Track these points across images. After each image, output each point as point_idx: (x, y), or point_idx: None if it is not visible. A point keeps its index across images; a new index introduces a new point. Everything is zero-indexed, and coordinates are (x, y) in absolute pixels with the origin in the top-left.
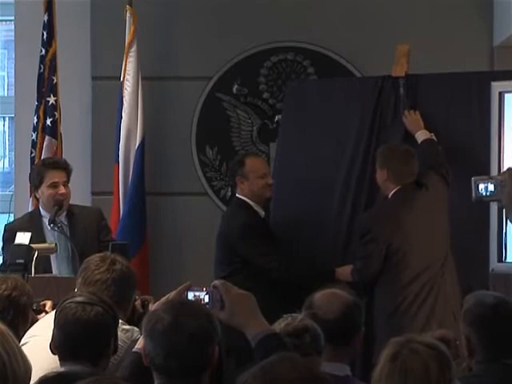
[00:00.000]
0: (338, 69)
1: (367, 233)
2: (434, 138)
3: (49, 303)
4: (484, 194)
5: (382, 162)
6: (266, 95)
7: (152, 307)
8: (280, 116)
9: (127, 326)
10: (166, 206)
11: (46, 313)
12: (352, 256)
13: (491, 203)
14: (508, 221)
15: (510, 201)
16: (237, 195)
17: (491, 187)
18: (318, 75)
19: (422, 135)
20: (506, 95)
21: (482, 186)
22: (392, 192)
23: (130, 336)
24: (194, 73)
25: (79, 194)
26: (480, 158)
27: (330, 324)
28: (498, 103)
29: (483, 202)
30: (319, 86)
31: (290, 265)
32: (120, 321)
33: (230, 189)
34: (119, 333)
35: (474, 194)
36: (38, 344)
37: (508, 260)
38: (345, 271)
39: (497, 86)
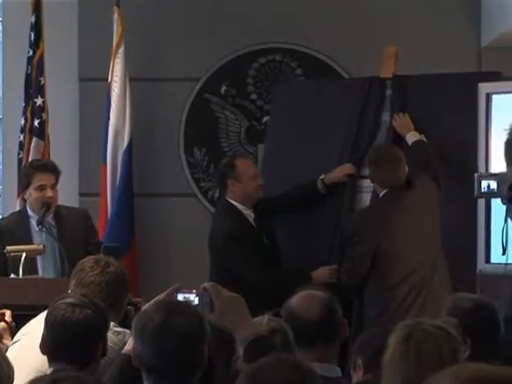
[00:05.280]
0: (325, 70)
1: (355, 234)
2: (424, 139)
3: (8, 313)
4: (486, 190)
5: (369, 166)
6: (254, 96)
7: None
8: (268, 117)
9: (119, 329)
10: (154, 207)
11: (6, 322)
12: (338, 257)
13: (479, 203)
14: (509, 219)
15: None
16: (226, 198)
17: (494, 185)
18: (305, 76)
19: (412, 137)
20: (494, 96)
21: (484, 183)
22: (382, 193)
23: (122, 338)
24: (182, 74)
25: (67, 195)
26: (468, 158)
27: (313, 325)
28: (485, 104)
29: (485, 199)
30: (307, 87)
31: (269, 275)
32: (112, 323)
33: (218, 190)
34: (111, 335)
35: (476, 191)
36: (29, 343)
37: (495, 261)
38: (321, 274)
39: (484, 87)
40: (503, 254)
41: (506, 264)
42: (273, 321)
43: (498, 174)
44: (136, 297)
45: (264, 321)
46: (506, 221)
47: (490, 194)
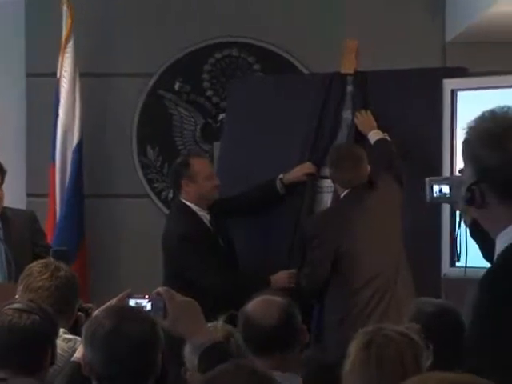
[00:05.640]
0: (284, 65)
1: (315, 236)
2: (387, 137)
3: None
4: (439, 195)
5: (330, 166)
6: (209, 93)
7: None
8: (224, 115)
9: (69, 336)
10: (106, 208)
11: None
12: (298, 261)
13: (443, 204)
14: (462, 223)
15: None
16: (181, 199)
17: (446, 189)
18: (263, 72)
19: (374, 135)
20: (459, 93)
21: (436, 188)
22: (343, 194)
23: (72, 345)
24: (135, 69)
25: (13, 195)
26: (432, 157)
27: (271, 331)
28: (450, 101)
29: (438, 204)
30: (265, 83)
31: (225, 279)
32: (62, 330)
33: (171, 191)
34: (60, 342)
35: (428, 196)
36: None
37: (460, 264)
38: (280, 278)
39: (449, 83)
40: (458, 260)
41: (466, 268)
42: (226, 326)
43: (449, 177)
44: (86, 302)
45: (218, 326)
46: (459, 226)
47: (442, 199)
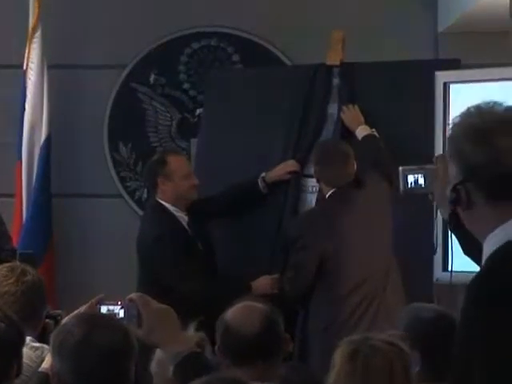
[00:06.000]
0: (266, 56)
1: (299, 238)
2: (375, 133)
3: None
4: (414, 186)
5: (315, 164)
6: (186, 86)
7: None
8: (202, 109)
9: (37, 344)
10: (75, 209)
11: None
12: (280, 265)
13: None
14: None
15: (441, 193)
16: (156, 199)
17: (421, 180)
18: (243, 63)
19: (362, 131)
20: (452, 86)
21: (411, 178)
22: (329, 193)
23: (40, 354)
24: (106, 61)
25: None
26: (424, 154)
27: (252, 340)
28: (442, 94)
29: (412, 196)
30: (245, 75)
31: (204, 284)
32: (29, 338)
33: (145, 190)
34: (28, 351)
35: (402, 187)
36: None
37: (454, 269)
38: (262, 284)
39: (441, 76)
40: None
41: (451, 272)
42: (198, 334)
43: (424, 167)
44: (54, 309)
45: (189, 334)
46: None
47: (416, 190)
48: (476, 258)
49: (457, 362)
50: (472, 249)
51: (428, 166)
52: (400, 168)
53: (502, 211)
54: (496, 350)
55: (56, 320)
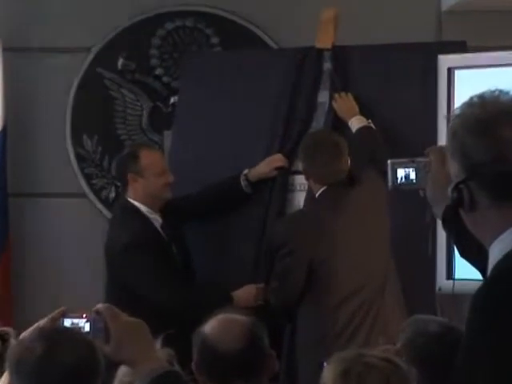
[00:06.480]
0: (248, 39)
1: (285, 243)
2: (371, 125)
3: None
4: (404, 182)
5: (303, 159)
6: (158, 71)
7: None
8: (176, 97)
9: None
10: (34, 209)
11: None
12: (265, 273)
13: None
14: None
15: (434, 190)
16: (126, 198)
17: (412, 174)
18: (223, 46)
19: (356, 122)
20: (457, 72)
21: (401, 173)
22: (317, 194)
23: None
24: (69, 43)
25: None
26: (426, 147)
27: (233, 357)
28: (446, 81)
29: (401, 191)
30: (225, 59)
31: (179, 294)
32: None
33: (113, 188)
34: None
35: (390, 182)
36: None
37: (458, 276)
38: (244, 294)
39: (445, 60)
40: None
41: (454, 280)
42: (165, 350)
43: (414, 159)
44: (7, 323)
45: (157, 348)
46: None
47: (407, 185)
48: (475, 262)
49: (460, 374)
50: (470, 251)
51: (420, 159)
52: (389, 161)
53: (509, 213)
54: (502, 362)
55: (3, 339)
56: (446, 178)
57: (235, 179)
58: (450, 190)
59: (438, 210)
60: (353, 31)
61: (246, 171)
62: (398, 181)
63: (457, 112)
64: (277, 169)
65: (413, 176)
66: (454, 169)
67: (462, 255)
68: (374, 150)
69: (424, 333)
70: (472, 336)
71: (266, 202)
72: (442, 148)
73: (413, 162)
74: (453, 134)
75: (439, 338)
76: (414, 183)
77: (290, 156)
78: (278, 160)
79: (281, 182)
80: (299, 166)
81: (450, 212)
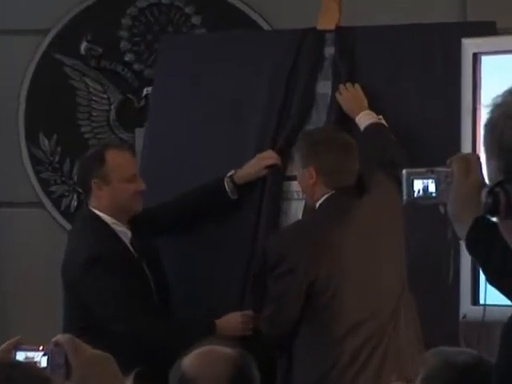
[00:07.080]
0: (236, 19)
1: (280, 262)
2: (383, 121)
3: None
4: (422, 195)
5: (305, 158)
6: (129, 57)
7: None
8: (150, 88)
9: None
10: None
11: None
12: (255, 297)
13: None
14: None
15: (456, 205)
16: (90, 208)
17: (432, 187)
18: (206, 27)
19: (365, 119)
20: (484, 58)
21: (419, 185)
22: (320, 201)
23: None
24: (23, 24)
25: None
26: (448, 146)
27: None
28: (472, 69)
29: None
30: (209, 43)
31: (153, 323)
32: None
33: (75, 196)
34: None
35: (405, 195)
36: None
37: (482, 302)
38: (229, 322)
39: (470, 45)
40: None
41: (485, 305)
42: None
43: (434, 169)
44: None
45: None
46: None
47: (425, 200)
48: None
49: None
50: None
51: (440, 169)
52: (404, 171)
53: None
54: None
55: None
56: (471, 191)
57: (218, 182)
58: (483, 194)
59: (461, 230)
60: (361, 10)
61: (231, 172)
62: (415, 194)
63: (497, 101)
64: (267, 167)
65: (432, 188)
66: (490, 169)
67: (492, 283)
68: (385, 150)
69: (453, 365)
70: (505, 369)
71: (256, 210)
72: (466, 156)
73: (432, 172)
74: (491, 127)
75: (470, 370)
76: (434, 197)
77: (285, 157)
78: (268, 157)
79: (273, 185)
80: (295, 169)
81: (478, 229)
